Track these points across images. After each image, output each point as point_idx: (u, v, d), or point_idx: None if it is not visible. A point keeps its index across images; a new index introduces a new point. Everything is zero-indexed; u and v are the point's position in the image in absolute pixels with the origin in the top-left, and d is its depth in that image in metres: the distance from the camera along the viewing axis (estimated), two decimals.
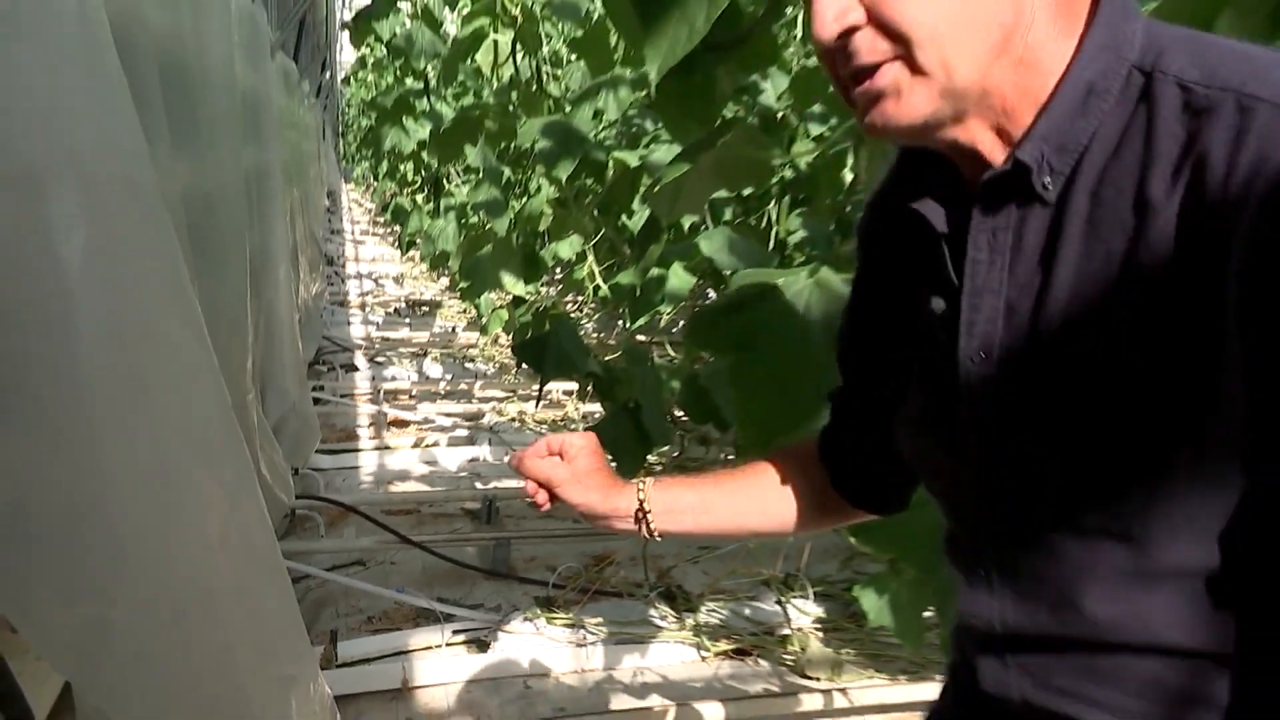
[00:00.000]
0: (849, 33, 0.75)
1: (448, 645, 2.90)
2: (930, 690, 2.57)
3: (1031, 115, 0.80)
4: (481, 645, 2.92)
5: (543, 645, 2.92)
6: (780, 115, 3.19)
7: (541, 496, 1.07)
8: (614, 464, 3.06)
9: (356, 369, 6.02)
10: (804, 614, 3.11)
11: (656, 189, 1.62)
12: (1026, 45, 0.78)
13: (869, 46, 0.75)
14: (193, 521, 1.12)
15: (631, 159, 3.01)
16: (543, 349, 3.19)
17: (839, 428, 1.14)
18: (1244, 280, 0.70)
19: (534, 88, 3.63)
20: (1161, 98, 0.75)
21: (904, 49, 0.74)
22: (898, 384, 0.99)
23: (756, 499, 1.15)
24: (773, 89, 3.27)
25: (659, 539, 1.12)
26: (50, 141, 0.94)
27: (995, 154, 0.81)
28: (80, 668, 0.99)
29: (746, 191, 3.52)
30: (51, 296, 0.94)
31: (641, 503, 1.09)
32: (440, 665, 2.81)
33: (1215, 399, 0.75)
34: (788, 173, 3.21)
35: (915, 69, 0.75)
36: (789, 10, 2.95)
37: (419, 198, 6.85)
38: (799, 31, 3.05)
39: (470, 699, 2.72)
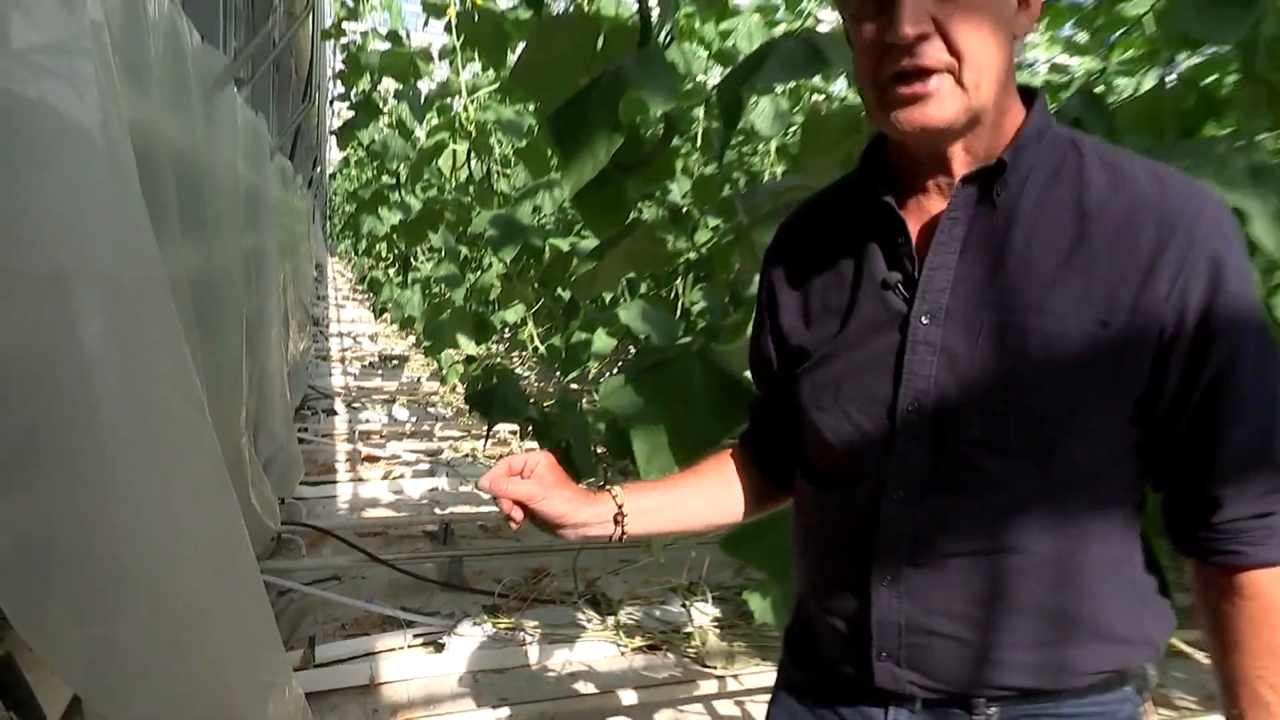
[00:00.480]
0: (921, 38, 0.75)
1: (409, 647, 2.86)
2: None
3: (997, 143, 0.83)
4: (438, 646, 2.89)
5: (489, 646, 2.90)
6: (685, 210, 3.29)
7: (518, 514, 0.95)
8: None
9: (336, 413, 5.93)
10: (704, 614, 3.14)
11: (574, 277, 1.68)
12: (1001, 95, 0.81)
13: (934, 54, 0.75)
14: (188, 554, 1.12)
15: (564, 245, 3.08)
16: (490, 398, 3.21)
17: (759, 429, 1.11)
18: (1188, 317, 0.77)
19: (486, 186, 3.69)
20: (1086, 150, 0.84)
21: (957, 63, 0.76)
22: (805, 373, 0.94)
23: (711, 495, 1.09)
24: (679, 190, 3.38)
25: (625, 540, 1.04)
26: (78, 250, 0.96)
27: (960, 165, 0.83)
28: (89, 681, 0.98)
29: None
30: (76, 373, 0.95)
31: (620, 507, 1.01)
32: (402, 664, 2.78)
33: (1121, 371, 0.79)
34: (691, 255, 3.31)
35: (960, 82, 0.76)
36: (690, 129, 3.08)
37: (391, 271, 6.82)
38: (696, 153, 3.17)
39: (428, 691, 2.69)
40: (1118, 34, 2.75)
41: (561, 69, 1.48)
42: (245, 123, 3.54)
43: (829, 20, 3.81)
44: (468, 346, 3.63)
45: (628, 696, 2.63)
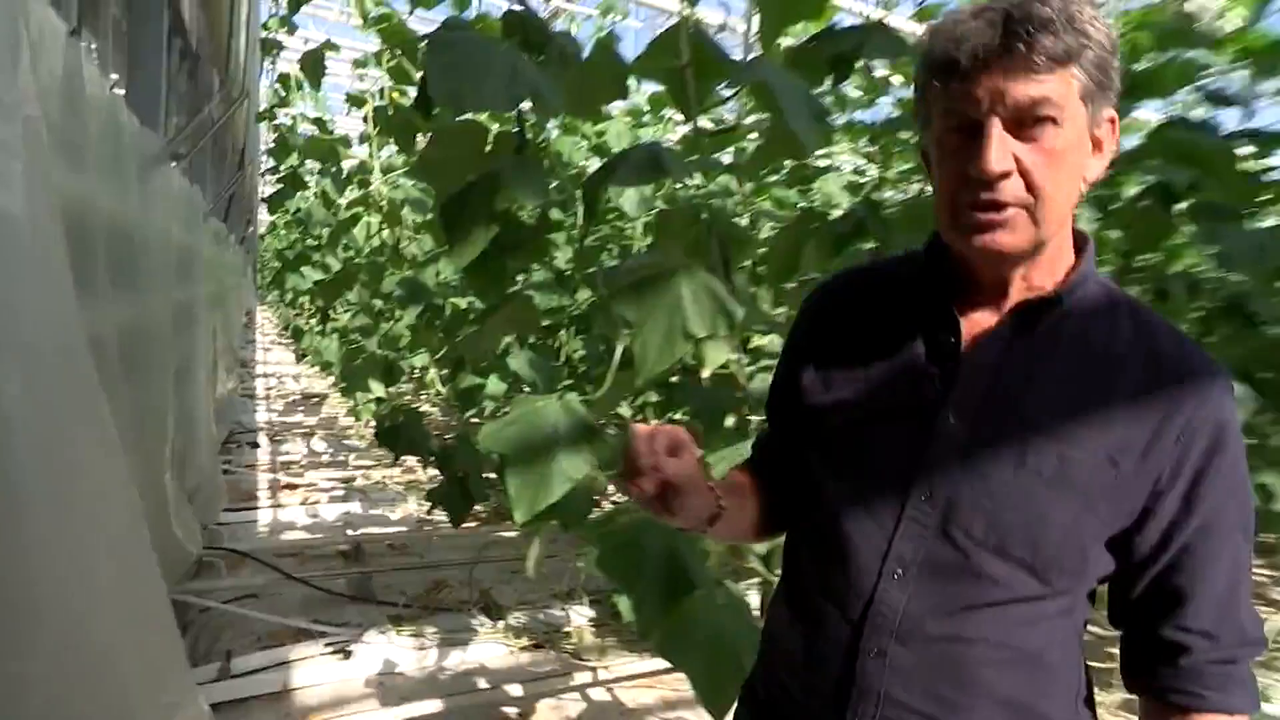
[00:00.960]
0: (1004, 175, 0.69)
1: (320, 656, 2.72)
2: (662, 663, 2.66)
3: (1051, 274, 0.77)
4: (346, 654, 2.75)
5: (393, 650, 2.79)
6: (569, 274, 3.32)
7: (651, 487, 0.75)
8: (447, 516, 3.02)
9: (259, 446, 5.59)
10: (581, 615, 3.12)
11: (460, 339, 1.69)
12: (1062, 234, 0.76)
13: (1013, 191, 0.70)
14: (100, 593, 1.04)
15: (462, 303, 3.05)
16: (397, 434, 3.14)
17: (765, 464, 0.97)
18: (1182, 478, 0.72)
19: (397, 251, 3.62)
20: (1119, 300, 0.78)
21: (1034, 200, 0.70)
22: (824, 439, 0.85)
23: (746, 514, 0.94)
24: (563, 257, 3.41)
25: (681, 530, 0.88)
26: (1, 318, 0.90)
27: (1016, 289, 0.77)
28: (1, 714, 0.90)
29: (546, 323, 3.62)
30: None
31: (721, 508, 0.85)
32: (313, 671, 2.63)
33: (1118, 508, 0.73)
34: (574, 311, 3.34)
35: (1033, 217, 0.71)
36: (572, 208, 3.12)
37: (312, 321, 6.55)
38: (575, 231, 3.22)
39: (336, 695, 2.55)
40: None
41: (453, 165, 1.49)
42: (180, 191, 3.38)
43: (686, 126, 3.94)
44: (377, 389, 3.52)
45: (515, 690, 2.59)
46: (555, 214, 2.98)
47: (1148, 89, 2.28)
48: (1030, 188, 0.70)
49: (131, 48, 3.19)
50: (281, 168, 4.44)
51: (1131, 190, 2.43)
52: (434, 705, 2.46)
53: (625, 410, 1.80)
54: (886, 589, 0.77)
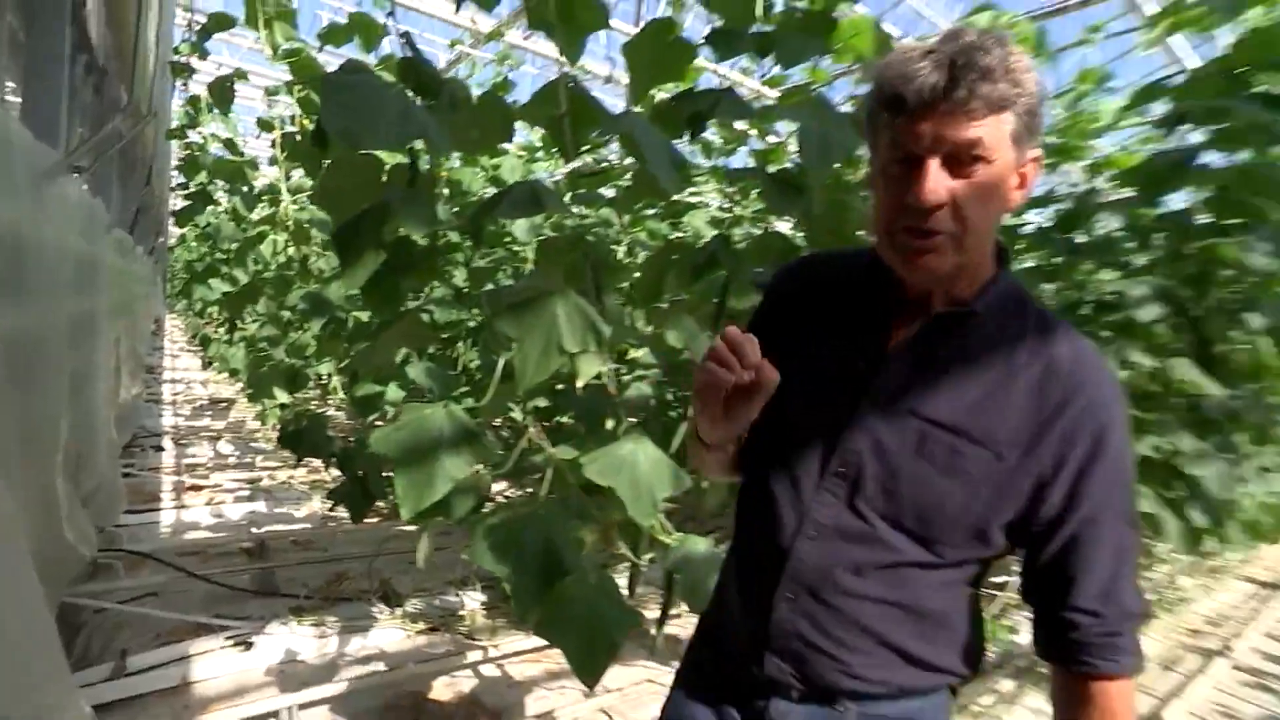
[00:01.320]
0: (938, 207, 0.70)
1: (220, 649, 2.51)
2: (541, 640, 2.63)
3: (971, 288, 0.78)
4: (247, 645, 2.55)
5: (294, 640, 2.61)
6: (465, 291, 3.25)
7: (746, 378, 0.74)
8: (348, 513, 2.87)
9: (164, 449, 5.09)
10: (474, 600, 3.04)
11: (355, 353, 1.62)
12: (985, 247, 0.77)
13: (944, 221, 0.71)
14: None
15: (364, 316, 2.91)
16: (300, 437, 2.95)
17: None
18: (1068, 468, 0.73)
19: (304, 266, 3.42)
20: (1029, 310, 0.79)
21: (960, 230, 0.71)
22: (768, 420, 0.83)
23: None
24: (461, 276, 3.33)
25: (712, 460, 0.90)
26: None
27: (939, 301, 0.79)
28: None
29: (445, 335, 3.51)
30: None
31: (741, 438, 0.89)
32: (212, 664, 2.42)
33: (1003, 497, 0.75)
34: (471, 325, 3.26)
35: (958, 244, 0.72)
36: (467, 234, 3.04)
37: (222, 330, 6.06)
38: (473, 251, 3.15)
39: (236, 685, 2.36)
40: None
41: (349, 194, 1.43)
42: (79, 203, 3.04)
43: (576, 163, 3.94)
44: (281, 396, 3.30)
45: (410, 669, 2.49)
46: (455, 237, 2.91)
47: None
48: (959, 218, 0.71)
49: (30, 61, 2.85)
50: (192, 184, 4.10)
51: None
52: (334, 688, 2.33)
53: (517, 415, 1.77)
54: (802, 546, 0.81)
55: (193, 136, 4.14)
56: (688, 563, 1.56)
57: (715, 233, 2.29)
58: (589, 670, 1.32)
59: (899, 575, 0.79)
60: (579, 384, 1.58)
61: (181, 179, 4.15)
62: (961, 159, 0.70)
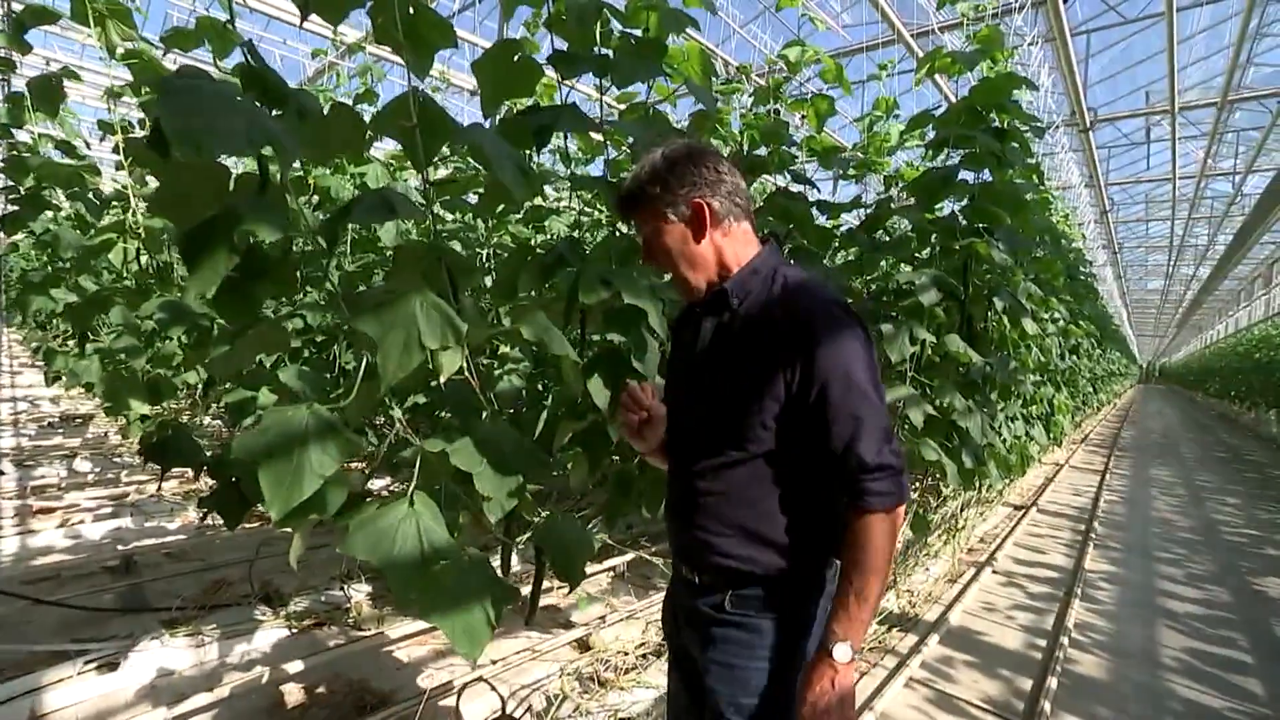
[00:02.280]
0: (650, 263, 1.10)
1: (79, 675, 2.20)
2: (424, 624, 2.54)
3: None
4: (112, 666, 2.25)
5: (167, 654, 2.34)
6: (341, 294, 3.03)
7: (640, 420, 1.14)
8: (223, 520, 2.61)
9: (3, 473, 4.37)
10: (359, 592, 2.87)
11: (209, 360, 1.47)
12: (721, 260, 1.04)
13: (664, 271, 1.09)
14: None
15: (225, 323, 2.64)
16: (165, 447, 2.63)
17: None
18: (797, 357, 0.94)
19: (165, 274, 3.04)
20: (778, 274, 1.03)
21: (675, 277, 1.08)
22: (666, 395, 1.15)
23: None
24: (335, 279, 3.11)
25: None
26: None
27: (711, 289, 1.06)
28: None
29: (321, 338, 3.27)
30: None
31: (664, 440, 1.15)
32: (72, 691, 2.11)
33: (768, 397, 0.95)
34: (346, 327, 3.05)
35: (685, 283, 1.07)
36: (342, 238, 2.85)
37: (70, 342, 5.24)
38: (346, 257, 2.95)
39: (99, 709, 2.08)
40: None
41: (194, 201, 1.29)
42: None
43: (446, 170, 3.79)
44: (141, 408, 2.92)
45: (295, 666, 2.31)
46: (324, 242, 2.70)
47: (764, 168, 2.65)
48: (669, 271, 1.06)
49: None
50: (23, 188, 3.51)
51: None
52: (213, 696, 2.12)
53: (397, 411, 1.68)
54: (673, 473, 1.12)
55: (23, 135, 3.54)
56: (554, 539, 1.57)
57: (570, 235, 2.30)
58: (469, 645, 1.29)
59: (732, 472, 1.03)
60: (442, 379, 1.54)
61: (7, 183, 3.54)
62: (646, 237, 1.08)
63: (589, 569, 3.11)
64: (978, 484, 3.12)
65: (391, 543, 1.26)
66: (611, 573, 3.30)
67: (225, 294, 1.31)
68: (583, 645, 2.56)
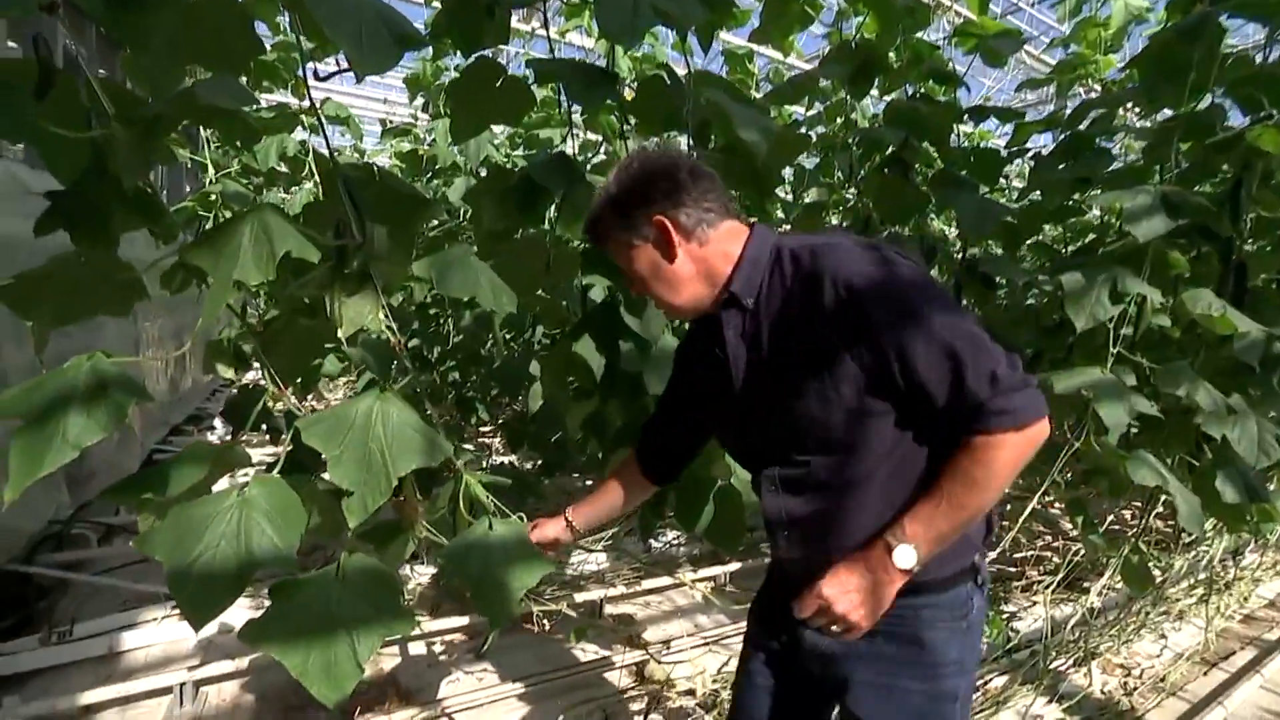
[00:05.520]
0: (639, 292, 1.05)
1: (164, 619, 2.28)
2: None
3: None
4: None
5: (230, 612, 2.39)
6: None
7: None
8: None
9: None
10: (422, 575, 2.71)
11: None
12: (709, 270, 0.96)
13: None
14: None
15: None
16: None
17: (649, 441, 1.18)
18: (856, 333, 0.84)
19: None
20: (783, 252, 0.93)
21: (659, 299, 1.02)
22: (690, 406, 1.12)
23: (618, 495, 1.19)
24: None
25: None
26: None
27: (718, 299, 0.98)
28: None
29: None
30: None
31: (570, 523, 1.17)
32: (145, 635, 2.21)
33: (832, 373, 0.86)
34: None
35: (671, 305, 1.01)
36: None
37: None
38: None
39: (170, 654, 2.16)
40: None
41: None
42: None
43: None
44: None
45: None
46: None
47: (880, 66, 1.90)
48: (651, 297, 1.02)
49: None
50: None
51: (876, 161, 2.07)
52: (240, 663, 2.08)
53: (330, 365, 1.41)
54: (761, 485, 1.01)
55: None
56: (474, 565, 1.11)
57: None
58: (329, 687, 0.94)
59: (818, 475, 0.95)
60: (343, 333, 1.20)
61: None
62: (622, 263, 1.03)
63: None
64: (1248, 528, 2.00)
65: (197, 541, 0.94)
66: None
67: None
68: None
